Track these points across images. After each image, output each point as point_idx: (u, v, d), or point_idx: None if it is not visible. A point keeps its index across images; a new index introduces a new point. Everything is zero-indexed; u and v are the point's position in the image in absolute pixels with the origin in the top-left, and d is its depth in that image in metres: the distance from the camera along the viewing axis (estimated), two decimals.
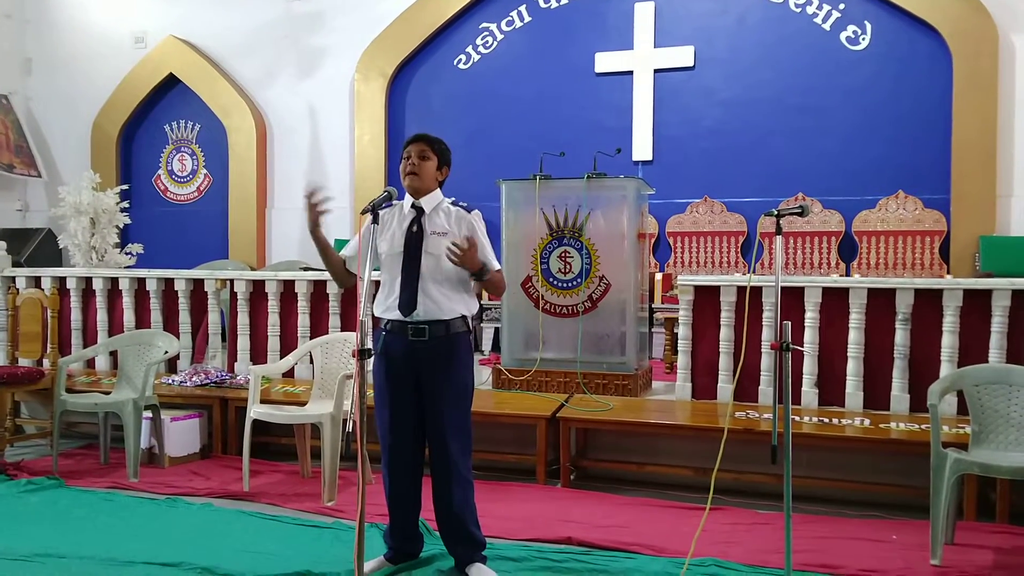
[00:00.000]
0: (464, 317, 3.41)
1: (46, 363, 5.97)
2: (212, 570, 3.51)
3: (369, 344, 2.86)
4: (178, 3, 9.93)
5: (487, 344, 7.75)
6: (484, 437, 4.93)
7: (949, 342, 4.69)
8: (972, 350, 4.67)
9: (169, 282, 6.38)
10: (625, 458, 4.95)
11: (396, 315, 3.34)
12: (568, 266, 5.56)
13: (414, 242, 3.35)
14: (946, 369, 4.64)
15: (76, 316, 6.61)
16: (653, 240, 8.34)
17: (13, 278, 6.64)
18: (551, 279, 5.60)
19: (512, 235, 5.71)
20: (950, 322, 4.69)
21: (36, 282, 6.63)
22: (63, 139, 10.38)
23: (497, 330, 7.29)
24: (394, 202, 3.45)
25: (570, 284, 5.56)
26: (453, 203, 3.46)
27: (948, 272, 7.42)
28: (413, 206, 3.41)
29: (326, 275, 5.59)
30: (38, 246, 9.39)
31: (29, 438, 5.87)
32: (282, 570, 3.49)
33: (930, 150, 7.66)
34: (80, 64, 10.31)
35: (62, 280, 6.63)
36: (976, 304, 4.69)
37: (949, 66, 7.54)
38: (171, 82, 9.95)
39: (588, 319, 5.51)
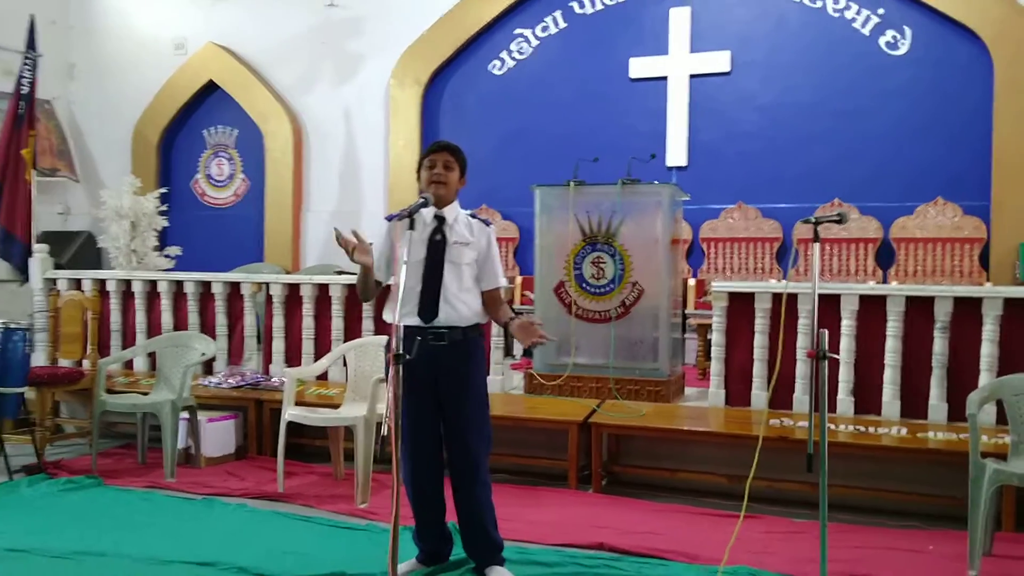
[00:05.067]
0: (479, 325, 3.51)
1: (86, 364, 6.08)
2: (247, 570, 3.56)
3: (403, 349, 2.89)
4: (218, 11, 10.06)
5: (519, 349, 7.74)
6: (516, 441, 4.94)
7: (988, 351, 4.61)
8: (1012, 359, 4.59)
9: (206, 285, 6.46)
10: (657, 464, 4.93)
11: (415, 321, 3.38)
12: (601, 272, 5.55)
13: (437, 250, 3.41)
14: (985, 378, 4.56)
15: (116, 318, 6.70)
16: (687, 246, 8.30)
17: (55, 280, 6.76)
18: (584, 284, 5.59)
19: (545, 240, 5.72)
20: (990, 330, 4.62)
21: (77, 284, 6.74)
22: (105, 144, 10.54)
23: None
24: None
25: (603, 290, 5.55)
26: (471, 215, 3.54)
27: (988, 280, 7.29)
28: (435, 216, 3.45)
29: None
30: (79, 249, 9.55)
31: (68, 437, 5.97)
32: (317, 571, 3.53)
33: (970, 156, 7.53)
34: (122, 70, 10.47)
35: (102, 282, 6.73)
36: (1016, 312, 4.62)
37: (990, 71, 7.42)
38: (210, 88, 10.07)
39: (621, 325, 5.49)
